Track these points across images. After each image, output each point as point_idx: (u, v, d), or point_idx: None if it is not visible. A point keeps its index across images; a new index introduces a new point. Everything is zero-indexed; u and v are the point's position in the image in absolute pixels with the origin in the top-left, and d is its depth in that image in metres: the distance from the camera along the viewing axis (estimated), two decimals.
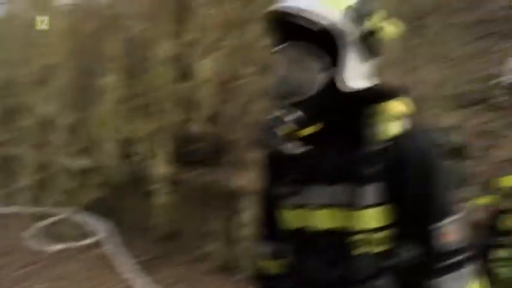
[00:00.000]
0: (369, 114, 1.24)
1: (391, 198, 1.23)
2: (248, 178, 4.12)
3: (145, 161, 4.59)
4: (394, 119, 1.23)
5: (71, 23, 4.11)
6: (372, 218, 1.23)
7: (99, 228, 7.00)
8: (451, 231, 1.22)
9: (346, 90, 1.21)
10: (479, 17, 8.04)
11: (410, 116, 1.27)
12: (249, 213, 4.19)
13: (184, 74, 4.51)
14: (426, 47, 6.06)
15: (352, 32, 1.18)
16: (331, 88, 1.22)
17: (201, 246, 5.39)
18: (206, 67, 3.65)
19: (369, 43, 1.21)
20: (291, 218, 1.37)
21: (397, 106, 1.24)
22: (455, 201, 1.27)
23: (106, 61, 3.78)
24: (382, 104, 1.24)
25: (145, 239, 6.67)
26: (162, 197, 4.14)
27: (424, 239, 1.23)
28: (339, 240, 1.26)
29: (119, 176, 4.40)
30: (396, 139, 1.22)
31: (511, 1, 7.98)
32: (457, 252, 1.23)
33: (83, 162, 4.55)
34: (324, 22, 1.17)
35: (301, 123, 1.23)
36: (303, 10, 1.18)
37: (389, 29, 1.22)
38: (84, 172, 4.30)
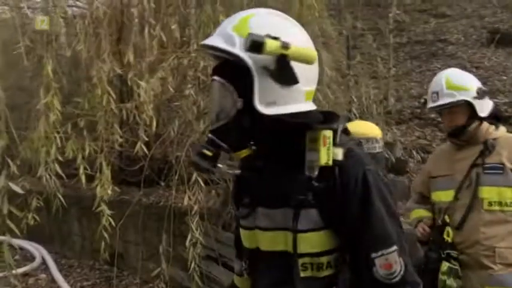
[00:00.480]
0: (302, 140, 1.27)
1: (330, 224, 1.25)
2: (193, 198, 4.09)
3: (88, 183, 4.45)
4: (328, 145, 1.24)
5: (5, 38, 3.95)
6: (312, 242, 1.25)
7: (38, 254, 6.72)
8: (390, 261, 1.22)
9: (259, 115, 1.22)
10: (409, 38, 8.49)
11: (346, 141, 1.30)
12: (195, 233, 4.15)
13: (125, 94, 4.46)
14: (364, 65, 6.32)
15: (258, 59, 1.19)
16: (247, 115, 1.24)
17: (147, 269, 5.27)
18: (147, 87, 3.62)
19: (281, 69, 1.20)
20: (247, 239, 1.43)
21: (329, 133, 1.25)
22: (396, 229, 1.26)
23: (44, 80, 3.65)
24: (318, 131, 1.26)
25: (86, 264, 6.46)
26: (105, 219, 4.01)
27: (363, 268, 1.24)
28: (285, 262, 1.28)
29: (59, 198, 4.23)
30: (332, 166, 1.24)
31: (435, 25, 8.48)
32: (394, 283, 1.23)
33: (21, 184, 4.33)
34: (227, 54, 1.22)
35: (220, 148, 1.26)
36: (212, 46, 1.25)
37: (299, 54, 1.21)
38: (23, 195, 4.09)
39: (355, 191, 1.23)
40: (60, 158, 3.77)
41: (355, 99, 5.07)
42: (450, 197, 2.52)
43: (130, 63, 3.79)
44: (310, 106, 1.31)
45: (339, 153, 1.25)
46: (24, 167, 4.33)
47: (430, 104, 2.59)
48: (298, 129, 1.27)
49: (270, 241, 1.33)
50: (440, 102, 2.51)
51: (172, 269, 4.71)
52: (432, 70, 7.50)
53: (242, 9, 4.37)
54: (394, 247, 1.23)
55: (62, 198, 3.96)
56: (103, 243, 4.10)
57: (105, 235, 4.00)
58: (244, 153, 1.33)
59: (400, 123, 6.46)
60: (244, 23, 1.24)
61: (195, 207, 3.91)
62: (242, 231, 1.45)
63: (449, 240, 2.50)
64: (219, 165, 1.28)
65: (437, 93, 2.54)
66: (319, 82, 4.64)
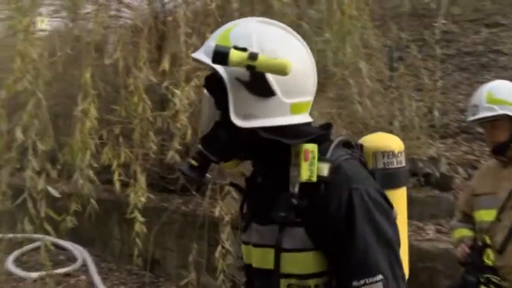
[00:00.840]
0: (287, 154, 1.21)
1: (320, 244, 1.17)
2: (227, 207, 4.07)
3: (125, 189, 4.53)
4: (311, 160, 1.17)
5: (49, 48, 4.10)
6: (298, 263, 1.18)
7: (78, 257, 6.92)
8: None
9: (236, 128, 1.19)
10: (458, 49, 8.18)
11: (339, 156, 1.22)
12: (228, 243, 4.13)
13: (162, 102, 4.52)
14: (408, 77, 6.13)
15: (231, 71, 1.17)
16: (224, 127, 1.23)
17: (182, 276, 5.29)
18: (182, 95, 3.64)
19: (254, 81, 1.17)
20: (244, 253, 1.40)
21: (312, 147, 1.18)
22: (387, 257, 1.15)
23: (83, 87, 3.75)
24: (301, 145, 1.19)
25: (124, 269, 6.58)
26: (140, 226, 4.06)
27: None
28: (274, 281, 1.21)
29: (98, 203, 4.33)
30: (317, 183, 1.16)
31: (487, 34, 8.13)
32: None
33: (61, 188, 4.47)
34: (208, 67, 1.23)
35: (204, 158, 1.25)
36: (195, 58, 1.26)
37: (268, 65, 1.15)
38: (62, 199, 4.21)
39: (337, 212, 1.15)
40: (94, 164, 3.85)
41: (397, 112, 4.90)
42: (492, 217, 2.37)
43: (166, 71, 3.83)
44: (299, 119, 1.24)
45: (324, 169, 1.17)
46: (64, 171, 4.45)
47: (470, 118, 2.52)
48: (283, 144, 1.21)
49: (260, 258, 1.29)
50: (479, 115, 2.42)
51: (205, 277, 4.70)
52: (482, 82, 7.16)
53: (281, 18, 4.41)
54: (380, 276, 1.12)
55: (95, 203, 4.04)
56: (136, 249, 4.14)
57: (138, 242, 4.03)
58: (231, 165, 1.33)
59: (445, 137, 6.20)
60: (225, 35, 1.23)
61: (226, 218, 3.88)
62: (242, 245, 1.42)
63: (490, 263, 2.35)
64: (207, 175, 1.27)
65: (476, 106, 2.45)
66: (360, 94, 4.53)
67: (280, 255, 1.18)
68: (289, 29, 1.29)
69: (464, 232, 2.61)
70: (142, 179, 3.88)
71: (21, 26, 3.57)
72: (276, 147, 1.22)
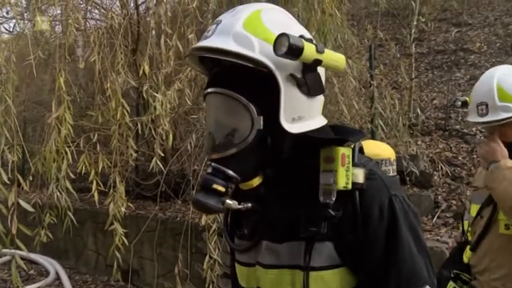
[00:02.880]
0: (317, 160, 1.06)
1: (348, 260, 1.04)
2: (213, 215, 3.91)
3: (102, 198, 4.33)
4: (347, 165, 1.03)
5: (17, 51, 3.87)
6: (327, 282, 1.04)
7: (50, 270, 6.63)
8: None
9: (287, 134, 1.03)
10: (429, 48, 8.29)
11: (366, 161, 1.10)
12: (213, 254, 3.98)
13: (141, 107, 4.34)
14: (386, 76, 6.14)
15: (283, 66, 1.00)
16: (269, 136, 1.04)
17: (162, 286, 5.12)
18: (164, 100, 3.48)
19: (309, 77, 1.02)
20: (244, 277, 1.20)
21: (348, 151, 1.06)
22: (426, 265, 1.06)
23: (57, 93, 3.54)
24: (334, 148, 1.05)
25: (100, 280, 6.34)
26: (118, 238, 3.86)
27: None
28: None
29: (70, 216, 4.10)
30: (352, 191, 1.04)
31: (456, 34, 8.27)
32: None
33: (34, 200, 4.23)
34: (242, 60, 1.00)
35: (232, 182, 1.04)
36: (220, 49, 1.01)
37: (332, 59, 1.03)
38: (36, 210, 3.98)
39: (379, 220, 1.03)
40: (71, 174, 3.64)
41: (381, 110, 4.86)
42: (475, 213, 2.22)
43: (146, 74, 3.64)
44: (324, 119, 1.13)
45: (360, 175, 1.04)
46: (37, 182, 4.22)
47: (477, 119, 2.12)
48: (314, 147, 1.07)
49: (274, 281, 1.11)
50: (492, 117, 2.06)
51: (188, 286, 4.55)
52: (454, 80, 7.29)
53: None
54: (427, 287, 1.04)
55: (72, 216, 3.82)
56: (115, 263, 3.95)
57: (118, 255, 3.84)
58: (256, 181, 1.10)
59: (423, 135, 6.24)
60: (256, 20, 1.03)
61: (213, 226, 3.73)
62: (239, 268, 1.22)
63: (466, 260, 2.23)
64: (228, 201, 1.04)
65: (486, 104, 2.08)
66: (344, 94, 4.46)
67: (309, 275, 1.03)
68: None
69: (466, 225, 2.43)
70: (121, 188, 3.68)
71: None
72: (303, 152, 1.08)
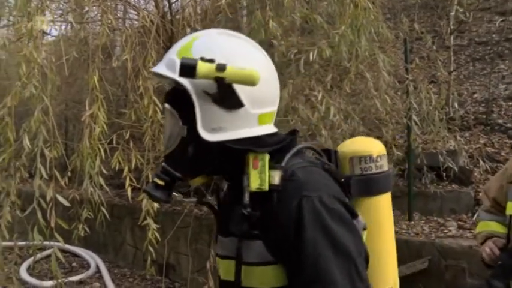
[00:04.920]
0: (242, 164, 1.17)
1: (276, 258, 1.11)
2: None
3: (137, 193, 4.43)
4: (261, 168, 1.13)
5: (56, 53, 4.00)
6: (259, 277, 1.14)
7: (91, 263, 6.85)
8: None
9: (205, 142, 1.16)
10: (470, 39, 8.00)
11: (295, 163, 1.16)
12: None
13: None
14: (423, 69, 5.97)
15: (197, 84, 1.14)
16: (192, 142, 1.19)
17: (197, 281, 5.18)
18: None
19: (221, 93, 1.14)
20: (218, 266, 1.36)
21: (262, 155, 1.16)
22: (343, 268, 1.05)
23: (91, 92, 3.64)
24: (249, 154, 1.17)
25: (138, 274, 6.49)
26: (150, 233, 3.95)
27: None
28: None
29: (110, 208, 4.23)
30: (269, 192, 1.12)
31: (501, 23, 7.94)
32: None
33: (73, 195, 4.38)
34: (170, 81, 1.20)
35: (170, 176, 1.21)
36: (157, 72, 1.22)
37: (237, 76, 1.13)
38: (73, 206, 4.12)
39: (287, 221, 1.09)
40: (104, 170, 3.74)
41: (415, 105, 4.74)
42: None
43: None
44: (265, 130, 1.22)
45: (276, 177, 1.13)
46: (76, 178, 4.36)
47: None
48: (240, 154, 1.18)
49: (225, 270, 1.26)
50: None
51: None
52: (498, 72, 7.01)
53: (292, 13, 4.27)
54: None
55: (105, 211, 3.94)
56: (149, 257, 4.04)
57: (151, 250, 3.93)
58: (199, 180, 1.27)
59: (463, 129, 6.04)
60: (187, 47, 1.20)
61: None
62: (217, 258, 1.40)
63: None
64: (174, 193, 1.20)
65: None
66: (376, 88, 4.36)
67: (240, 268, 1.15)
68: (249, 39, 1.28)
69: (493, 227, 2.27)
70: None
71: (27, 30, 3.46)
72: (234, 158, 1.19)
